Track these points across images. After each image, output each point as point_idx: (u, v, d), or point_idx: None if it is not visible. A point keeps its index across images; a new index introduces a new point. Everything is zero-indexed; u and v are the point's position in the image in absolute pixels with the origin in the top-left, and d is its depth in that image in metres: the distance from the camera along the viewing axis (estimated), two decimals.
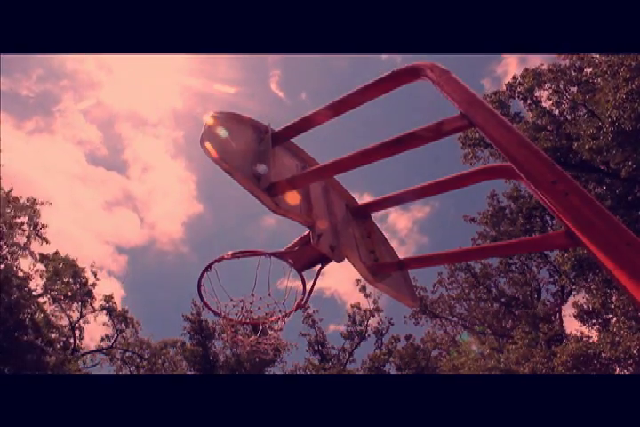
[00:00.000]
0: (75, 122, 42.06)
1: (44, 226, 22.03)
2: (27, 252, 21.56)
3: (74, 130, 41.97)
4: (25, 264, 22.07)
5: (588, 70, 18.25)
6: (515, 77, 20.58)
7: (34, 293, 21.35)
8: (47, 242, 22.41)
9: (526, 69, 20.20)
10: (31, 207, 21.80)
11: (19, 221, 21.37)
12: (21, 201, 21.76)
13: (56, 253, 22.86)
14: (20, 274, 20.84)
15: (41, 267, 22.42)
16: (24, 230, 21.56)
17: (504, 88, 20.59)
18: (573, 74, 18.94)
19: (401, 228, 45.05)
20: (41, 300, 22.10)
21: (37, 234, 21.76)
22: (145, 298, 45.63)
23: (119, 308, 25.24)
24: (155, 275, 46.35)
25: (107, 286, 38.30)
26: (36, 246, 22.11)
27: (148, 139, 46.21)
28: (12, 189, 21.46)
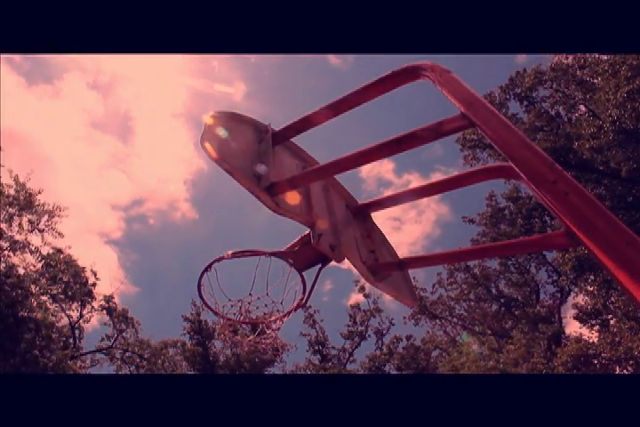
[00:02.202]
0: (80, 84, 42.54)
1: (59, 233, 21.97)
2: (27, 250, 21.48)
3: (79, 92, 42.38)
4: (25, 263, 22.02)
5: (588, 69, 18.26)
6: (512, 79, 20.57)
7: (34, 291, 21.30)
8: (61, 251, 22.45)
9: (524, 70, 20.21)
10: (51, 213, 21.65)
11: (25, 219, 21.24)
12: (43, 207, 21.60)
13: (56, 252, 22.83)
14: (21, 272, 20.82)
15: (41, 266, 22.40)
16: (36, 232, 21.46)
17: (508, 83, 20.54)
18: (574, 73, 18.94)
19: None
20: (41, 299, 22.08)
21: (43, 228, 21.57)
22: (145, 258, 46.05)
23: (120, 295, 25.19)
24: (156, 234, 46.69)
25: (104, 253, 38.48)
26: (38, 241, 22.00)
27: (149, 100, 46.57)
28: (40, 192, 21.38)
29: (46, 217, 21.69)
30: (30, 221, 21.38)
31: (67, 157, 44.07)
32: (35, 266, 21.98)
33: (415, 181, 43.82)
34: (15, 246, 20.89)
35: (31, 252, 21.59)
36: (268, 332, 4.29)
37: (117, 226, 46.15)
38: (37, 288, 22.18)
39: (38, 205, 21.52)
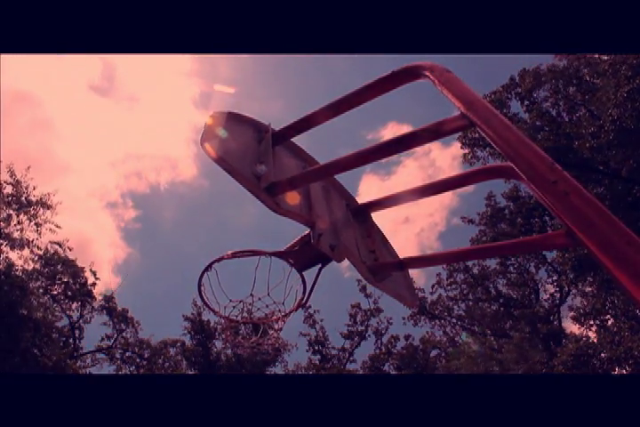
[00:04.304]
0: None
1: (56, 226, 21.83)
2: (25, 249, 21.42)
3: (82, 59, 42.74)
4: (25, 262, 21.97)
5: (588, 69, 18.25)
6: (512, 79, 20.56)
7: (33, 290, 21.27)
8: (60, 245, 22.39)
9: (524, 70, 20.18)
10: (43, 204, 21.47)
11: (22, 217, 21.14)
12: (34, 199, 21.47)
13: (55, 253, 22.79)
14: (20, 270, 20.80)
15: (39, 264, 22.38)
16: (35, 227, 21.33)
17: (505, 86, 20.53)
18: (573, 73, 18.92)
19: (440, 165, 45.06)
20: (41, 299, 22.06)
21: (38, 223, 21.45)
22: (144, 218, 46.58)
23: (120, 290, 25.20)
24: (153, 193, 47.21)
25: (103, 216, 38.82)
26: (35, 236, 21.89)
27: (150, 60, 47.15)
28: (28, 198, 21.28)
29: (41, 211, 21.58)
30: (28, 217, 21.30)
31: (68, 117, 44.58)
32: (33, 262, 21.95)
33: (436, 150, 43.96)
34: (14, 244, 20.85)
35: (30, 248, 21.53)
36: (270, 332, 4.29)
37: (115, 185, 46.88)
38: (37, 288, 22.15)
39: (35, 198, 21.42)
